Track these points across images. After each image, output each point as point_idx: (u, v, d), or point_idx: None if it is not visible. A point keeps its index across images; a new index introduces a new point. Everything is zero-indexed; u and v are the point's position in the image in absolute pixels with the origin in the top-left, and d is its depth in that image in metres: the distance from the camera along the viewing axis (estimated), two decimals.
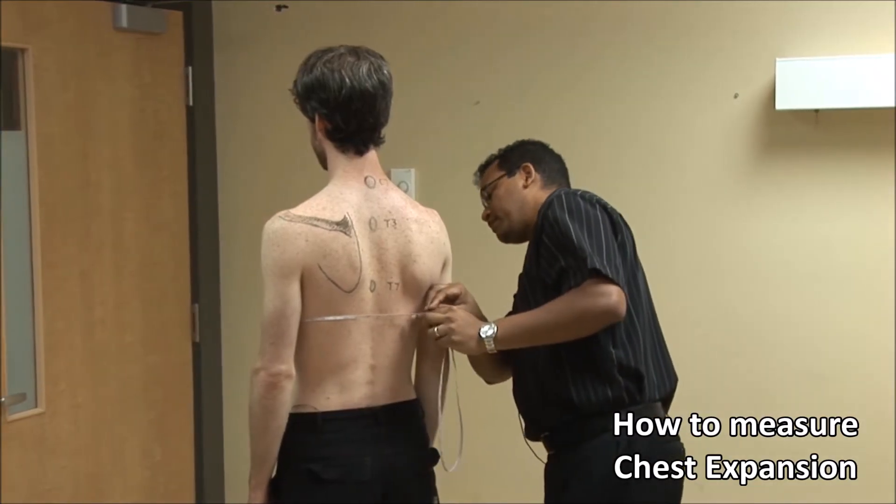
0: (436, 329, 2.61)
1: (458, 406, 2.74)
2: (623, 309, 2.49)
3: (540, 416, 2.72)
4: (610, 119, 3.80)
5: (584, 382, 2.60)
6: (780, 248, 3.63)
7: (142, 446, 4.05)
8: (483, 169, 2.94)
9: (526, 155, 2.87)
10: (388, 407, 2.60)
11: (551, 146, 2.93)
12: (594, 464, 2.57)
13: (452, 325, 2.59)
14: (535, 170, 2.83)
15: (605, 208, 2.66)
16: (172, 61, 4.14)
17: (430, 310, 2.63)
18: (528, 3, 3.87)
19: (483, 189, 2.91)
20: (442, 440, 2.72)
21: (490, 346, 2.58)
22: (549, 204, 2.64)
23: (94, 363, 3.84)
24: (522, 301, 2.74)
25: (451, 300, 2.66)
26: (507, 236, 2.86)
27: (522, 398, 2.79)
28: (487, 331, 2.57)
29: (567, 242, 2.54)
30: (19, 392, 3.55)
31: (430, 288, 2.65)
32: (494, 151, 2.94)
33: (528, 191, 2.81)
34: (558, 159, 2.91)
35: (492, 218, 2.88)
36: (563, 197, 2.62)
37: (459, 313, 2.61)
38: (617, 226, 2.65)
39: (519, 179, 2.83)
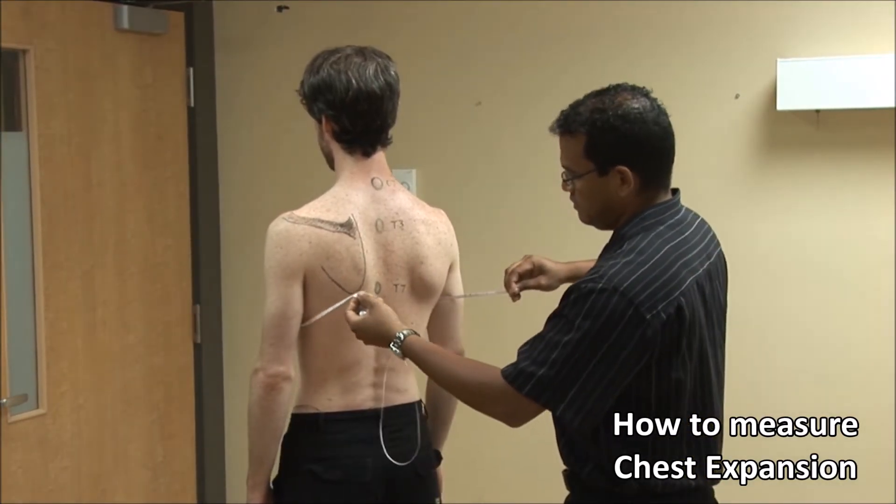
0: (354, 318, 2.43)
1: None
2: (519, 424, 2.25)
3: (562, 449, 2.43)
4: None
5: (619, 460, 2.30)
6: (781, 248, 3.63)
7: (143, 447, 4.05)
8: (565, 129, 2.30)
9: (622, 148, 2.24)
10: (391, 409, 2.60)
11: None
12: None
13: (362, 336, 2.41)
14: (632, 171, 2.25)
15: (640, 324, 2.14)
16: (174, 62, 4.14)
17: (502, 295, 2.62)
18: (529, 4, 3.87)
19: (563, 169, 2.34)
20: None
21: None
22: (585, 288, 2.16)
23: (95, 364, 3.84)
24: None
25: (525, 276, 2.65)
26: (588, 222, 2.41)
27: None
28: (394, 348, 2.36)
29: (542, 334, 2.19)
30: (21, 393, 3.55)
31: (504, 272, 2.65)
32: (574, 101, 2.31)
33: (621, 193, 2.28)
34: (660, 141, 2.28)
35: (572, 198, 2.38)
36: (597, 296, 2.14)
37: (371, 319, 2.39)
38: (646, 343, 2.15)
39: (611, 182, 2.27)
